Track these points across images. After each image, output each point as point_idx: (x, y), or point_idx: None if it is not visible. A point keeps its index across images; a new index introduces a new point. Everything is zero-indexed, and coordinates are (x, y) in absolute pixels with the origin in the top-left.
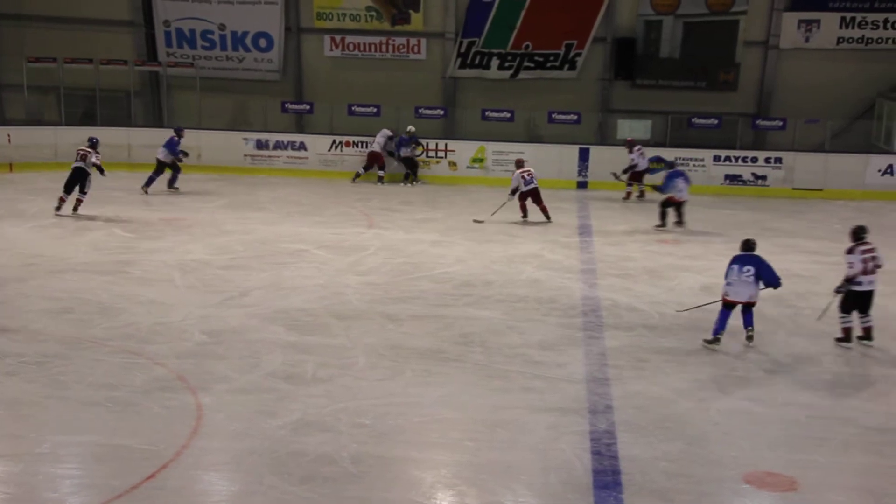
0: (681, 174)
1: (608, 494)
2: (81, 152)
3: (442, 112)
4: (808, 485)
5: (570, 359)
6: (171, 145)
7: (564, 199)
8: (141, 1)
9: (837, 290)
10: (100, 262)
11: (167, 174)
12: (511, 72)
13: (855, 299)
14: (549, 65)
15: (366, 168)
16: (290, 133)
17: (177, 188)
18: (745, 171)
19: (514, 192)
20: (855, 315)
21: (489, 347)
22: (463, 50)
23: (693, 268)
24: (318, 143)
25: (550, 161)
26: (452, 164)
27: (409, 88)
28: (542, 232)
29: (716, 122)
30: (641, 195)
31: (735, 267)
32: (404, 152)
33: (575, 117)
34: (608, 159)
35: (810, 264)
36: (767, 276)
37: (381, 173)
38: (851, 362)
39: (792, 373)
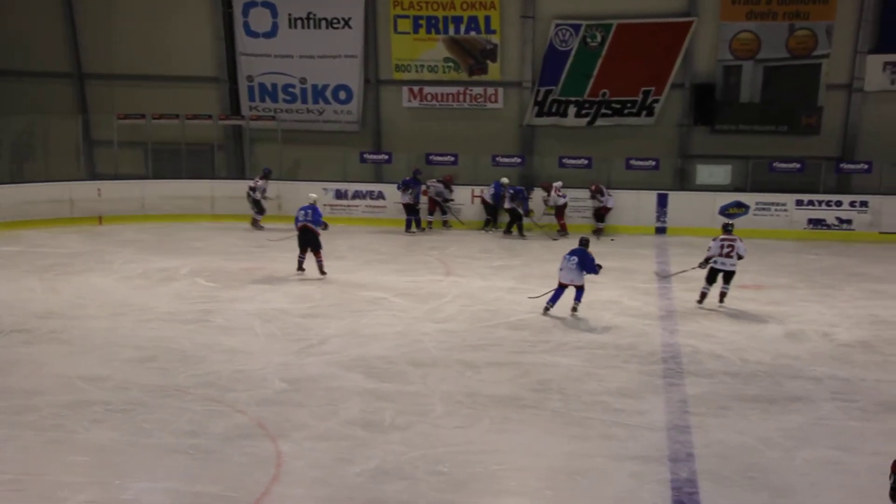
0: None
1: None
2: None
3: (519, 160)
4: None
5: (651, 406)
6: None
7: (643, 244)
8: (225, 58)
9: (700, 265)
10: (182, 312)
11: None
12: (588, 119)
13: (714, 274)
14: (626, 111)
15: (430, 212)
16: (368, 182)
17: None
18: (829, 216)
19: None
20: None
21: (567, 395)
22: (540, 98)
23: (776, 314)
24: (396, 192)
25: (628, 207)
26: (530, 211)
27: (487, 137)
28: (620, 278)
29: (798, 166)
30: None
31: (565, 257)
32: (508, 204)
33: (653, 163)
34: (687, 205)
35: None
36: (587, 266)
37: (430, 218)
38: None
39: (882, 421)
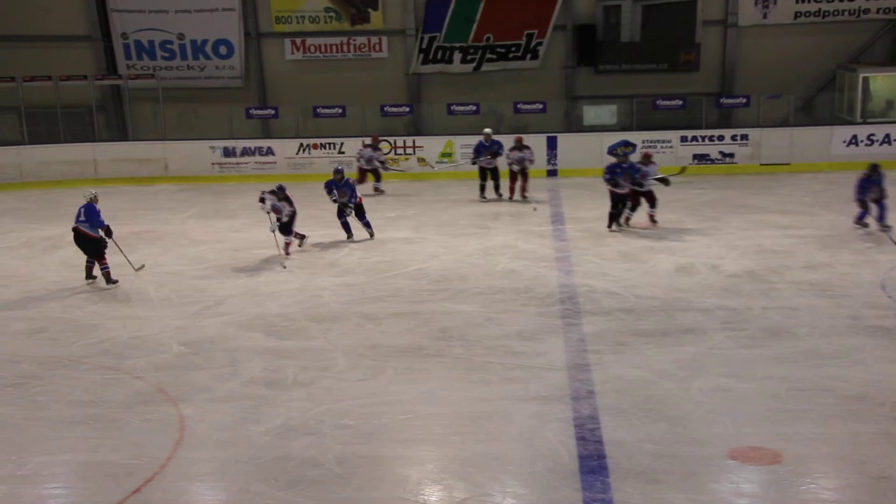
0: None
1: (595, 479)
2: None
3: (408, 109)
4: (793, 456)
5: (550, 347)
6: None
7: (535, 188)
8: (97, 15)
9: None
10: (71, 280)
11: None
12: (474, 65)
13: None
14: (511, 55)
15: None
16: (256, 139)
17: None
18: (713, 150)
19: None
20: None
21: (468, 341)
22: (424, 46)
23: (667, 249)
24: (285, 148)
25: None
26: (422, 161)
27: (374, 87)
28: (515, 222)
29: (680, 102)
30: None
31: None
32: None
33: (540, 106)
34: (576, 146)
35: (783, 239)
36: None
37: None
38: (827, 333)
39: (769, 347)
